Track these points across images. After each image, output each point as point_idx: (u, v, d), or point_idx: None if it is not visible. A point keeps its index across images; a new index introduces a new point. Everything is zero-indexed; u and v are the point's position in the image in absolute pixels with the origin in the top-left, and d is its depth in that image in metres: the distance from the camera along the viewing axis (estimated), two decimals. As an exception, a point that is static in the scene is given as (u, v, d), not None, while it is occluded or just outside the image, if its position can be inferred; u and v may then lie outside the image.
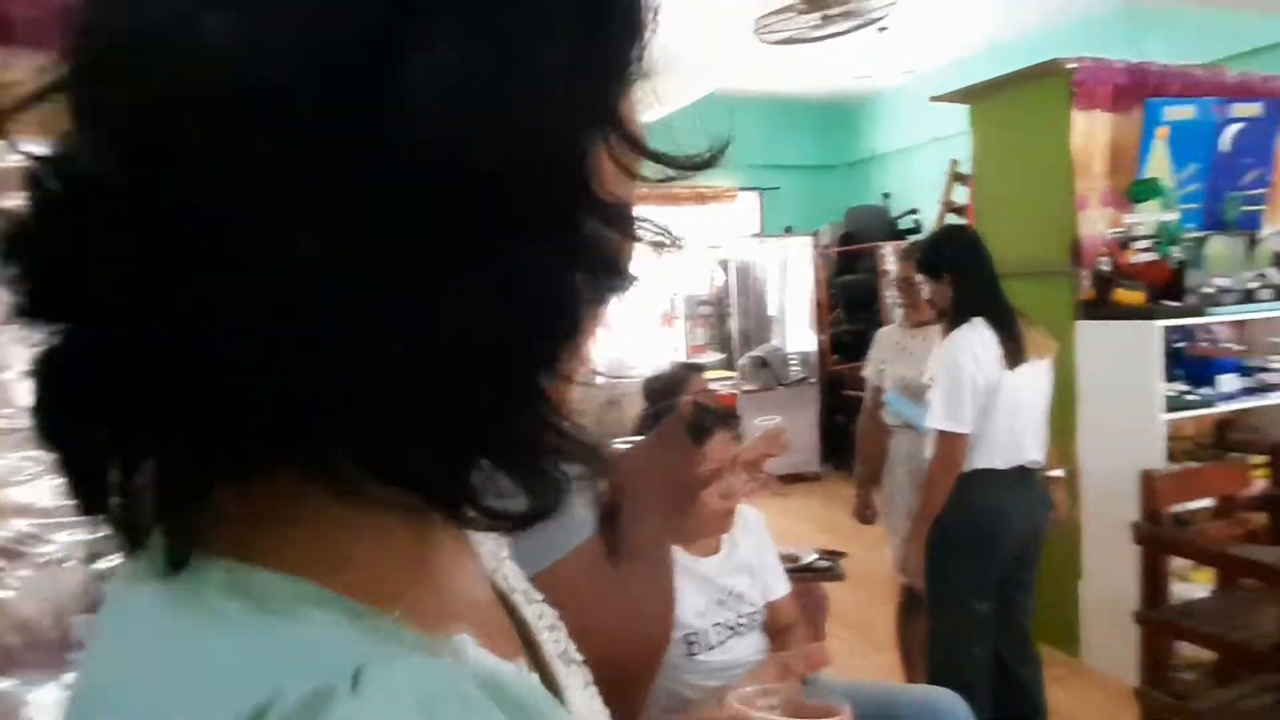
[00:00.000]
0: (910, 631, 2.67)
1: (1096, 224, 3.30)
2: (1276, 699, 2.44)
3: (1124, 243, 3.19)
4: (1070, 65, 3.30)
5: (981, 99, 3.73)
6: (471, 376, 0.27)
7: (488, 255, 0.26)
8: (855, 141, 7.72)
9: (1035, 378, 2.24)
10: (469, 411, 0.28)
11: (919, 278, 2.38)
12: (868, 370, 2.94)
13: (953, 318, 2.20)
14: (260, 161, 0.24)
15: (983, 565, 2.20)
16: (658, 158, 0.30)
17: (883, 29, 3.85)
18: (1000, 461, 2.17)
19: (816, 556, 2.39)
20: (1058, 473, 2.40)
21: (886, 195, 7.11)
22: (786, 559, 2.00)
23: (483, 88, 0.25)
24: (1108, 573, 3.09)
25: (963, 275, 2.20)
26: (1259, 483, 3.21)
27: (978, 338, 2.14)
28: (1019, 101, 3.57)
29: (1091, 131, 3.34)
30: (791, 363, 6.40)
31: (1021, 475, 2.22)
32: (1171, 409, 3.05)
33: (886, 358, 2.78)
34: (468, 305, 0.26)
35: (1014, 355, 2.14)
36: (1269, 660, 2.41)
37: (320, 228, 0.25)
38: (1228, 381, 3.18)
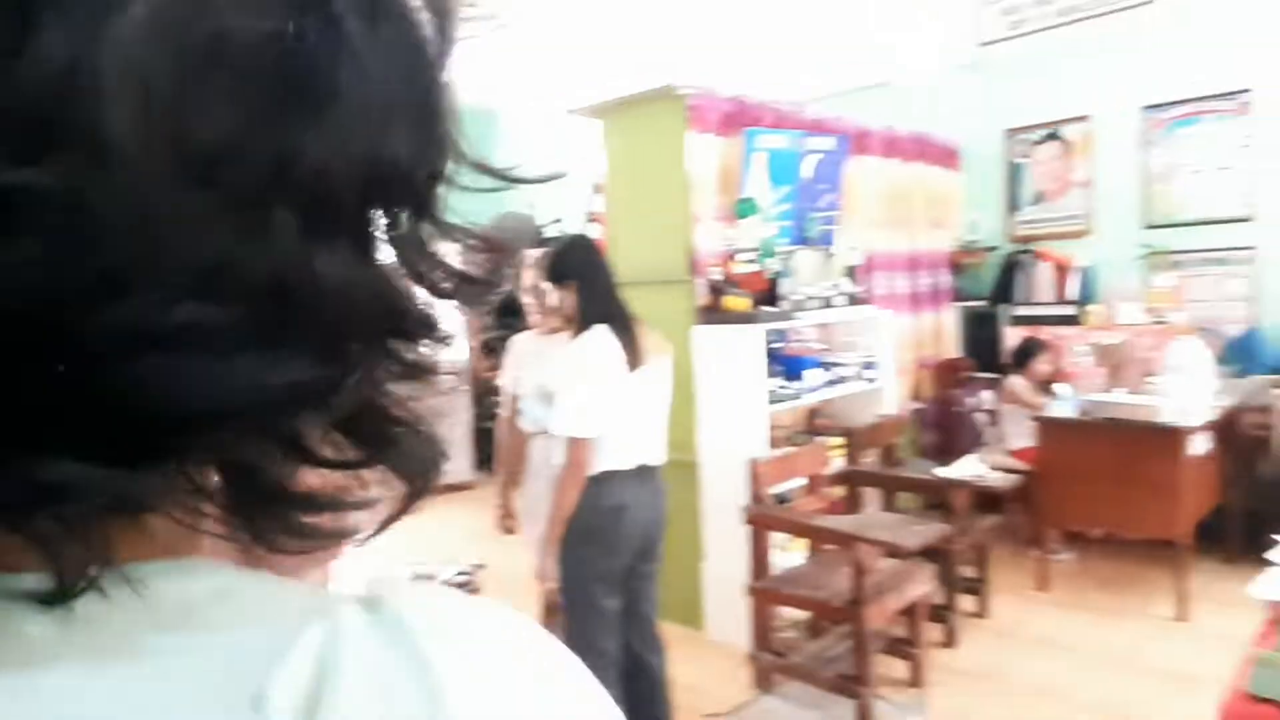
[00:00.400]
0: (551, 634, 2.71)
1: (710, 237, 3.65)
2: (851, 644, 2.86)
3: (731, 255, 3.56)
4: (684, 91, 3.61)
5: (611, 115, 3.94)
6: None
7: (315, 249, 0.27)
8: (501, 151, 7.79)
9: (654, 379, 2.38)
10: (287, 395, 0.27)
11: (545, 285, 2.42)
12: (504, 378, 2.95)
13: (578, 324, 2.27)
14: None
15: (608, 563, 2.29)
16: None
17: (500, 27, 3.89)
18: (623, 462, 2.28)
19: (456, 572, 2.33)
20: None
21: (531, 205, 7.28)
22: (424, 579, 1.92)
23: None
24: (724, 552, 3.42)
25: (585, 283, 2.28)
26: (839, 461, 3.77)
27: (601, 343, 2.22)
28: (643, 121, 3.83)
29: (705, 153, 3.69)
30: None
31: (642, 473, 2.35)
32: (772, 402, 3.46)
33: (522, 364, 2.81)
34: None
35: (634, 358, 2.26)
36: (844, 612, 2.82)
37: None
38: (813, 376, 3.70)
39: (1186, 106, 4.93)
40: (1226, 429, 3.99)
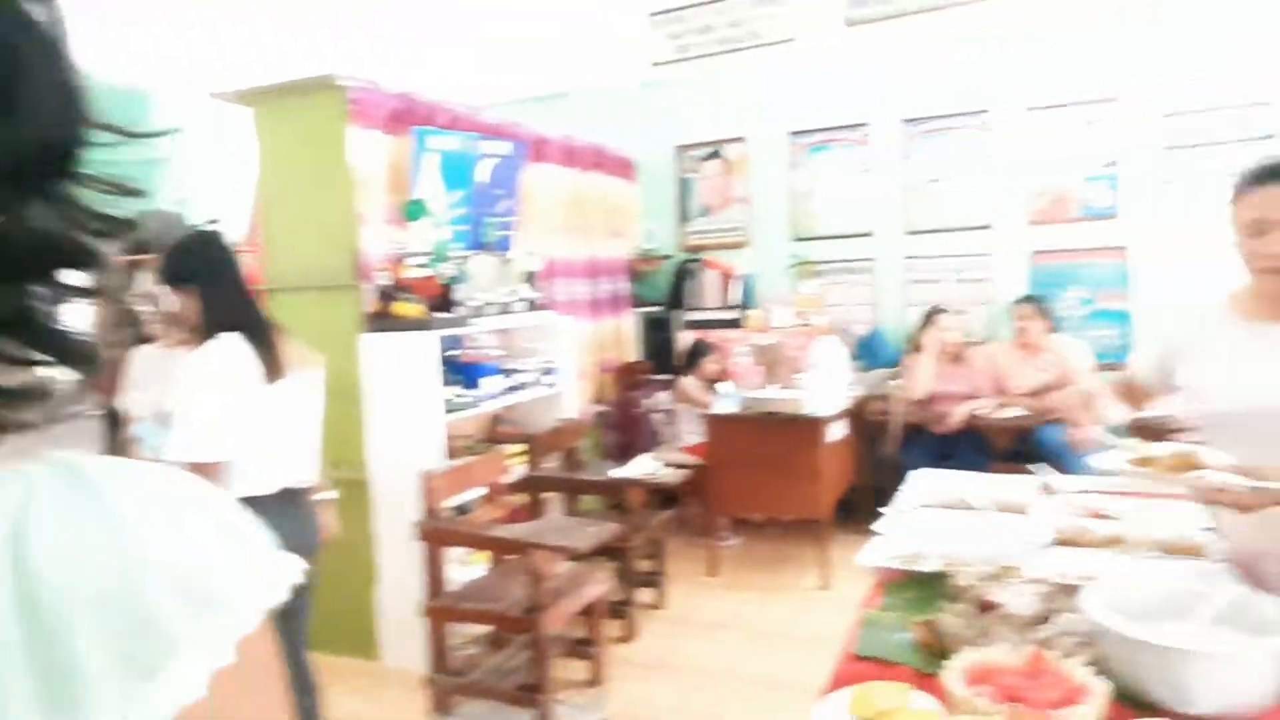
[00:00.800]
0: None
1: (377, 240, 3.44)
2: (531, 654, 2.82)
3: (401, 259, 3.38)
4: (344, 83, 3.37)
5: (264, 104, 3.58)
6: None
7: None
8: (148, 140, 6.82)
9: (299, 394, 2.16)
10: None
11: (163, 289, 2.10)
12: (122, 400, 2.53)
13: (200, 333, 1.99)
14: None
15: None
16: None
17: None
18: (262, 486, 2.04)
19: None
20: (329, 495, 2.35)
21: (182, 201, 6.46)
22: None
23: None
24: (399, 572, 3.23)
25: (208, 286, 2.01)
26: (521, 468, 3.74)
27: (228, 353, 1.97)
28: (300, 112, 3.52)
29: (370, 150, 3.47)
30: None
31: (286, 497, 2.12)
32: (449, 411, 3.34)
33: (142, 382, 2.42)
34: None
35: (272, 370, 2.02)
36: (523, 621, 2.77)
37: None
38: (492, 383, 3.63)
39: (821, 135, 5.59)
40: (857, 417, 4.56)
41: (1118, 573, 1.70)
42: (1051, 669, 1.28)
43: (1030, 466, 2.61)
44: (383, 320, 3.34)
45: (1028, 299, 4.72)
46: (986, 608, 1.60)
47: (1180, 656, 1.23)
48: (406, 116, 3.66)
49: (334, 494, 2.33)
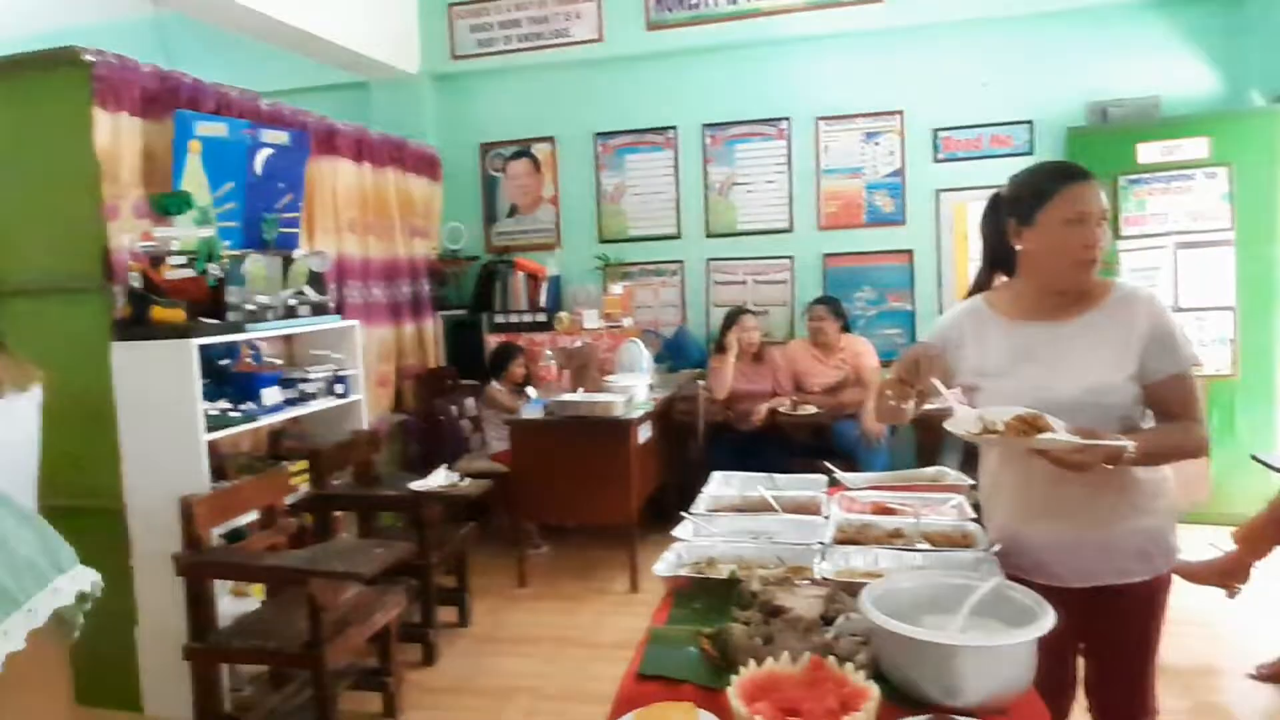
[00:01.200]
0: None
1: (129, 236, 3.04)
2: (313, 692, 2.57)
3: (158, 258, 3.00)
4: (89, 58, 2.95)
5: (-15, 78, 3.06)
6: None
7: None
8: None
9: (11, 415, 1.82)
10: None
11: None
12: None
13: None
14: None
15: None
16: None
17: None
18: None
19: None
20: None
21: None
22: None
23: None
24: (163, 611, 2.86)
25: None
26: (305, 486, 3.44)
27: None
28: (32, 89, 3.05)
29: (119, 135, 3.06)
30: None
31: None
32: (216, 427, 3.00)
33: None
34: None
35: None
36: (303, 659, 2.52)
37: None
38: (270, 395, 3.31)
39: (629, 137, 5.60)
40: (664, 418, 4.59)
41: (891, 569, 1.75)
42: (830, 675, 1.26)
43: (829, 463, 2.68)
44: (137, 327, 2.95)
45: (822, 300, 4.94)
46: (775, 612, 1.59)
47: (947, 651, 1.24)
48: (165, 99, 3.27)
49: None
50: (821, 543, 1.95)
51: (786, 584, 1.70)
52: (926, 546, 1.92)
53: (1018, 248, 1.76)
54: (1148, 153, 4.59)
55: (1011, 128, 5.11)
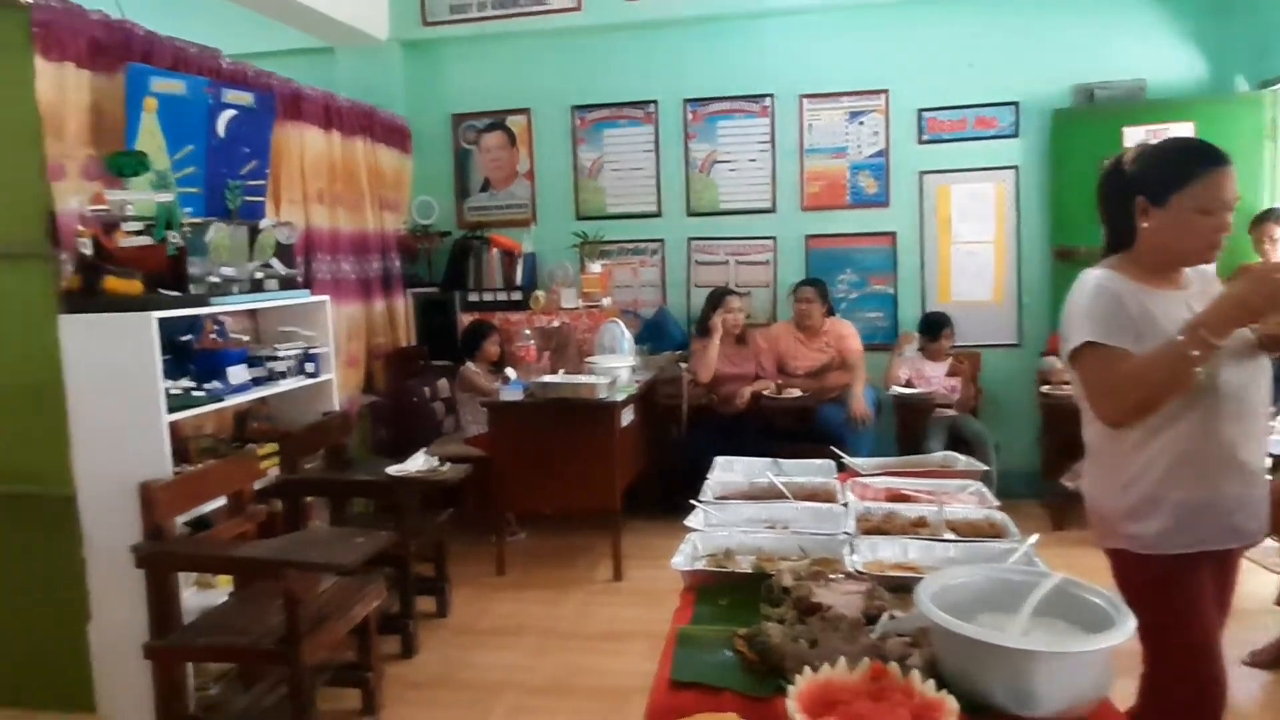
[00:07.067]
0: None
1: (77, 199, 2.79)
2: (288, 691, 2.40)
3: (111, 224, 2.76)
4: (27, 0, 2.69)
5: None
6: None
7: None
8: None
9: None
10: None
11: None
12: None
13: None
14: None
15: None
16: None
17: None
18: None
19: None
20: None
21: None
22: None
23: None
24: (120, 605, 2.65)
25: None
26: (274, 471, 3.23)
27: None
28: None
29: (64, 87, 2.80)
30: None
31: None
32: (178, 408, 2.78)
33: None
34: None
35: None
36: (277, 654, 2.34)
37: None
38: (237, 373, 3.09)
39: (607, 110, 5.41)
40: (644, 401, 4.44)
41: (937, 563, 1.64)
42: (895, 684, 1.14)
43: (833, 449, 2.57)
44: (87, 299, 2.71)
45: (809, 282, 4.83)
46: (811, 610, 1.46)
47: (1026, 658, 1.12)
48: (116, 50, 3.01)
49: None
50: (847, 533, 1.83)
51: (819, 578, 1.58)
52: (952, 536, 1.81)
53: (1143, 225, 1.71)
54: (1133, 136, 4.54)
55: (997, 109, 5.03)
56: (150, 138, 3.04)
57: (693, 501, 2.04)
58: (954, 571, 1.41)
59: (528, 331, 4.66)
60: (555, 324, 4.82)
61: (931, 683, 1.12)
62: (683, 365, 4.72)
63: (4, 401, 2.73)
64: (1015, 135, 5.00)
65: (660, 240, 5.39)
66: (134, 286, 2.76)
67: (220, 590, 2.91)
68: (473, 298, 5.14)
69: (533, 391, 3.96)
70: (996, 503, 2.02)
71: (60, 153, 2.77)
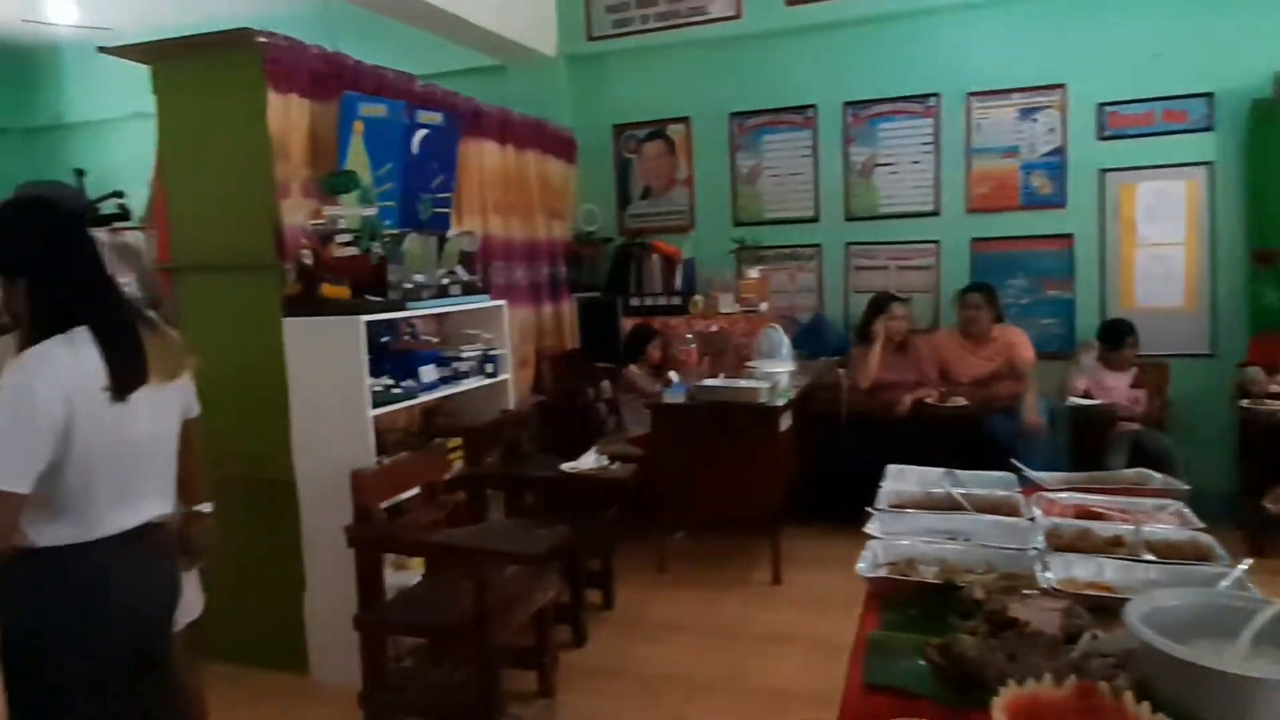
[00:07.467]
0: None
1: (298, 215, 3.12)
2: (474, 669, 2.59)
3: (326, 236, 3.07)
4: (261, 39, 3.03)
5: (167, 61, 3.20)
6: None
7: None
8: (34, 102, 6.26)
9: (158, 409, 1.72)
10: None
11: None
12: None
13: (31, 332, 1.59)
14: None
15: (83, 664, 1.62)
16: None
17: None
18: (102, 528, 1.63)
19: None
20: (203, 508, 1.92)
21: (81, 172, 5.90)
22: None
23: None
24: (331, 580, 2.95)
25: (37, 274, 1.59)
26: (458, 464, 3.48)
27: (61, 360, 1.55)
28: (211, 72, 3.17)
29: (289, 116, 3.14)
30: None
31: (138, 541, 1.69)
32: (379, 404, 3.05)
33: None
34: None
35: (125, 381, 1.61)
36: (467, 634, 2.53)
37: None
38: (428, 373, 3.35)
39: (766, 116, 5.44)
40: (803, 406, 4.44)
41: (1137, 585, 1.59)
42: (1105, 703, 1.13)
43: (1012, 461, 2.50)
44: (306, 304, 3.02)
45: (977, 288, 4.68)
46: (1005, 625, 1.46)
47: (1250, 685, 1.09)
48: (331, 80, 3.33)
49: (208, 506, 1.94)
50: (1036, 548, 1.80)
51: (1013, 593, 1.57)
52: (1152, 558, 1.75)
53: None
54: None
55: (1187, 101, 4.69)
56: (357, 157, 3.35)
57: (868, 509, 2.06)
58: (1164, 593, 1.37)
59: (690, 335, 4.76)
60: (714, 329, 4.89)
61: (1147, 704, 1.11)
62: (841, 371, 4.68)
63: (238, 395, 3.07)
64: (1209, 129, 4.65)
65: (817, 245, 5.36)
66: (345, 292, 3.05)
67: (413, 572, 3.16)
68: (634, 302, 5.30)
69: (694, 394, 4.05)
70: (1200, 524, 1.92)
71: (286, 174, 3.10)
